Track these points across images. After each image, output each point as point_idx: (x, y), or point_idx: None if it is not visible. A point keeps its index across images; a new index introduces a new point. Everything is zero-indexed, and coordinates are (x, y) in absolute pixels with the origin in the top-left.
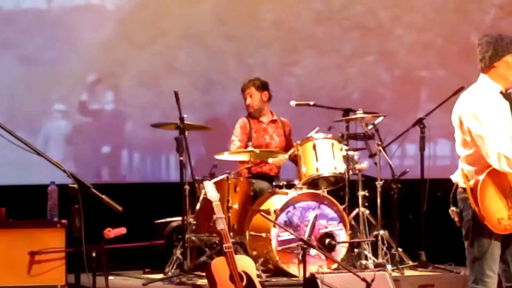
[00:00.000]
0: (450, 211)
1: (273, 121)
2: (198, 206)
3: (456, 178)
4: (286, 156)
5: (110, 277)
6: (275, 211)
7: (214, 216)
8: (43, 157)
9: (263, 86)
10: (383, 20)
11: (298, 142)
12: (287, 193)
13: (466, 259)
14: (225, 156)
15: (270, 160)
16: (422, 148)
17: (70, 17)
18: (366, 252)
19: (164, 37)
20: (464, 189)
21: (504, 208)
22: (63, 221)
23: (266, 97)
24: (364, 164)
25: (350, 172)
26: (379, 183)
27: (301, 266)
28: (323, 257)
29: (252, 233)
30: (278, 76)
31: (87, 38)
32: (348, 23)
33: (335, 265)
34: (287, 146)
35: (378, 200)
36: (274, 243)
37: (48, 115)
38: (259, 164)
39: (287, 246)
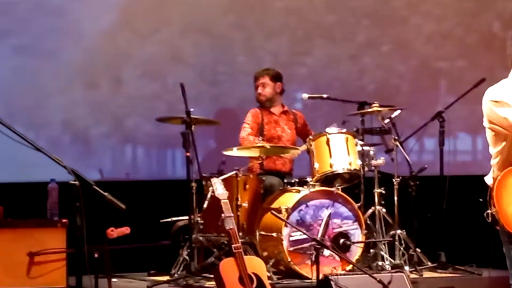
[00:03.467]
0: (485, 214)
1: (285, 112)
2: (205, 205)
3: (490, 179)
4: (299, 151)
5: (113, 279)
6: (286, 210)
7: (223, 215)
8: (42, 152)
9: (277, 77)
10: (398, 8)
11: (311, 137)
12: (299, 191)
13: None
14: (234, 152)
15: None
16: (441, 143)
17: (70, 6)
18: (382, 253)
19: (168, 26)
20: None
21: None
22: (64, 220)
23: (279, 88)
24: (380, 160)
25: (366, 169)
26: (396, 180)
27: (314, 267)
28: (337, 258)
29: (263, 232)
30: (289, 67)
31: (87, 28)
32: (361, 10)
33: (350, 267)
34: (304, 136)
35: (395, 198)
36: (285, 243)
37: (46, 108)
38: (271, 158)
39: (299, 246)
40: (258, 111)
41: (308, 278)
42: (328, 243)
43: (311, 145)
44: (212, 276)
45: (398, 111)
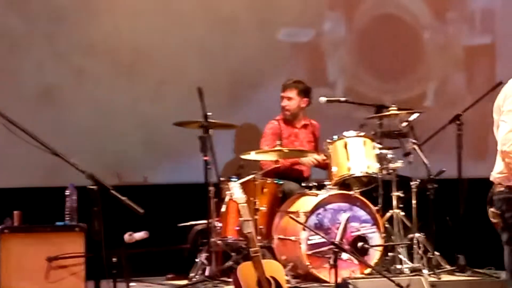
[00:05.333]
0: (489, 212)
1: (305, 126)
2: (223, 209)
3: (496, 176)
4: (319, 157)
5: (132, 284)
6: (304, 213)
7: (241, 218)
8: (60, 157)
9: (305, 92)
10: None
11: (329, 140)
12: (317, 194)
13: (506, 264)
14: (251, 156)
15: (302, 160)
16: (459, 146)
17: (87, 2)
18: (401, 256)
19: (187, 27)
20: (509, 187)
21: None
22: (82, 224)
23: (304, 104)
24: (398, 163)
25: (384, 172)
26: (414, 183)
27: (333, 271)
28: (355, 261)
29: (281, 236)
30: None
31: (108, 24)
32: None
33: (368, 270)
34: (315, 150)
35: (414, 201)
36: (304, 247)
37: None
38: (289, 166)
39: (317, 250)
40: (277, 125)
41: (326, 282)
42: (346, 247)
43: (328, 149)
44: (230, 280)
45: (416, 114)
